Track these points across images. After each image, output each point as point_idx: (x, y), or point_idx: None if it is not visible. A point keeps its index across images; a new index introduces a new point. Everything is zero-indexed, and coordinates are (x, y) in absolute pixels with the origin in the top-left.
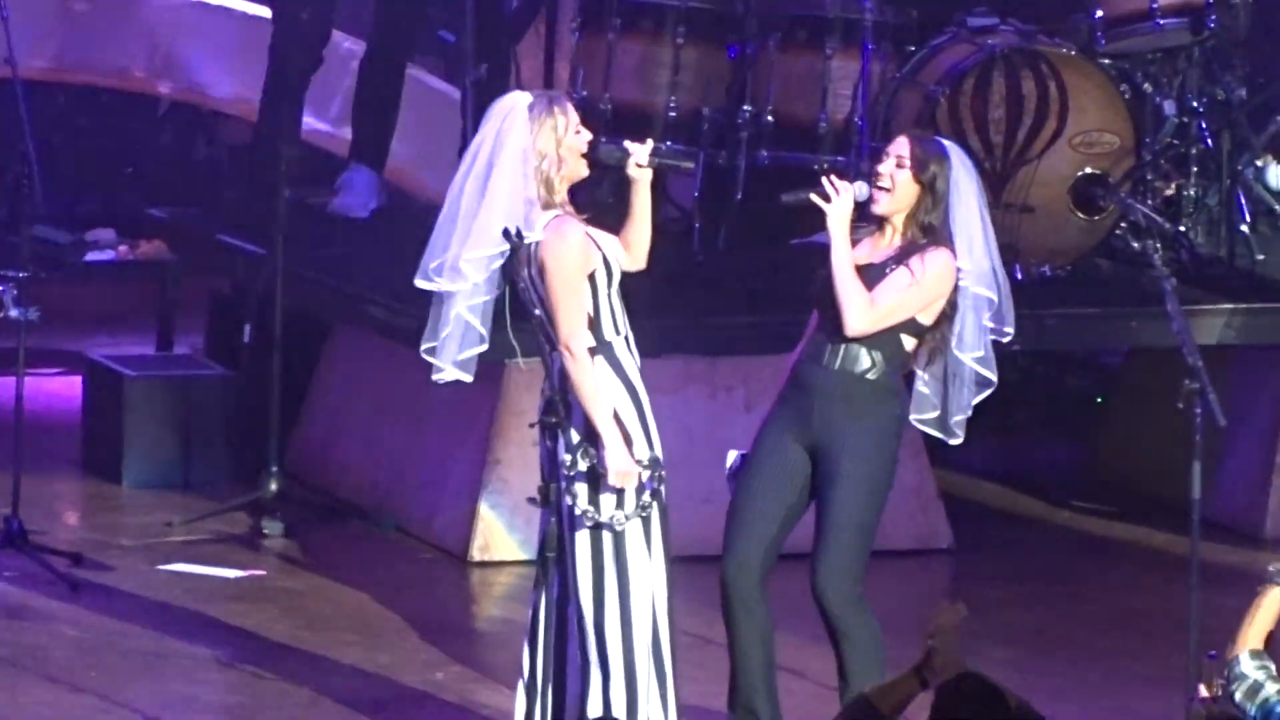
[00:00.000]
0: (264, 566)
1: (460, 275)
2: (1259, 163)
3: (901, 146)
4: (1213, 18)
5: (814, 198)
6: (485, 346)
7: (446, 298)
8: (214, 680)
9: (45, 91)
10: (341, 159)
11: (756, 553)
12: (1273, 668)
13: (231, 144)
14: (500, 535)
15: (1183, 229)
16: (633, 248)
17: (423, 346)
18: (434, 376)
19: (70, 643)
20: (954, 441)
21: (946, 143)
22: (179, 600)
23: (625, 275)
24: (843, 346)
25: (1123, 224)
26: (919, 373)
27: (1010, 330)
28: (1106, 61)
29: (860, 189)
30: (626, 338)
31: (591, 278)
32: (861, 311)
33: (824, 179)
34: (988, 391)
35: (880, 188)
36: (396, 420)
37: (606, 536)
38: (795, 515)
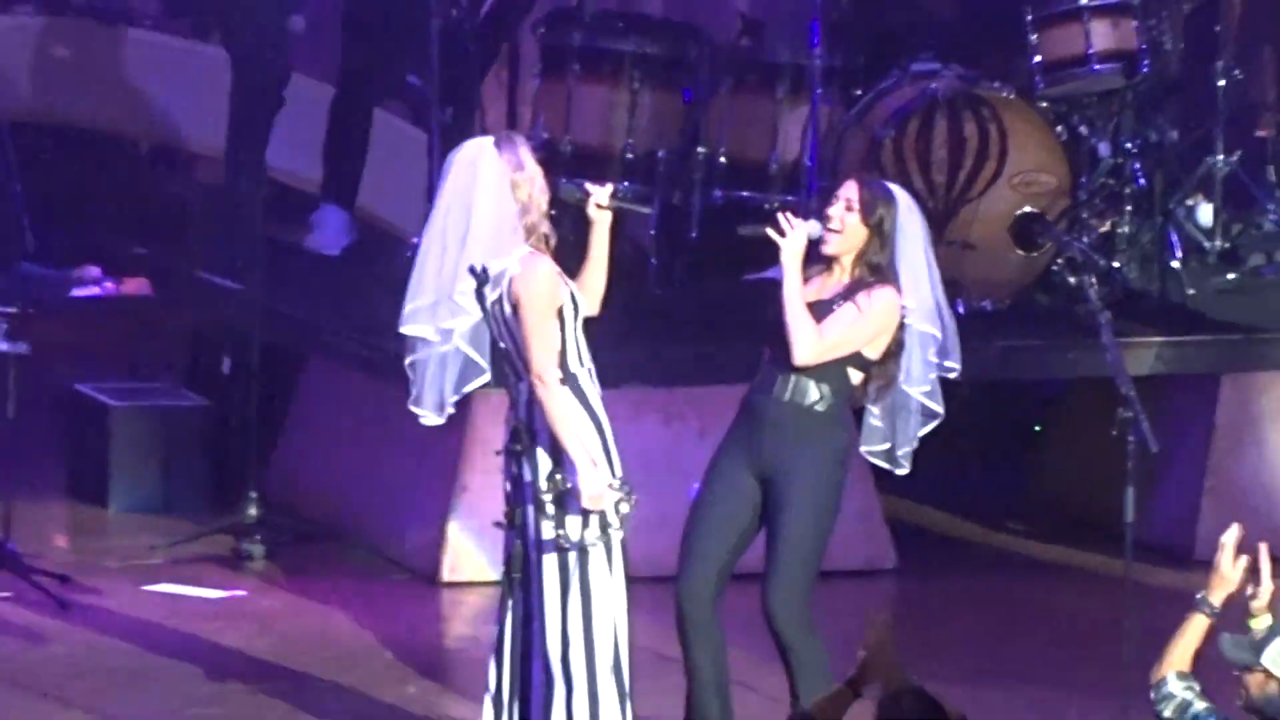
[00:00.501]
0: (243, 587)
1: (461, 311)
2: (1189, 202)
3: (850, 190)
4: (1146, 63)
5: (770, 232)
6: (488, 376)
7: (423, 344)
8: (196, 695)
9: (30, 133)
10: (313, 197)
11: (709, 576)
12: (1198, 686)
13: (207, 183)
14: (468, 557)
15: (1117, 265)
16: (589, 293)
17: (410, 400)
18: (424, 422)
19: (59, 659)
20: (901, 472)
21: (893, 187)
22: (163, 619)
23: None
24: (792, 379)
25: (1060, 260)
26: (869, 406)
27: (957, 366)
28: (1045, 105)
29: (813, 227)
30: (589, 369)
31: (560, 312)
32: (809, 342)
33: (780, 215)
34: (934, 423)
35: (830, 229)
36: (369, 448)
37: (572, 557)
38: (746, 540)
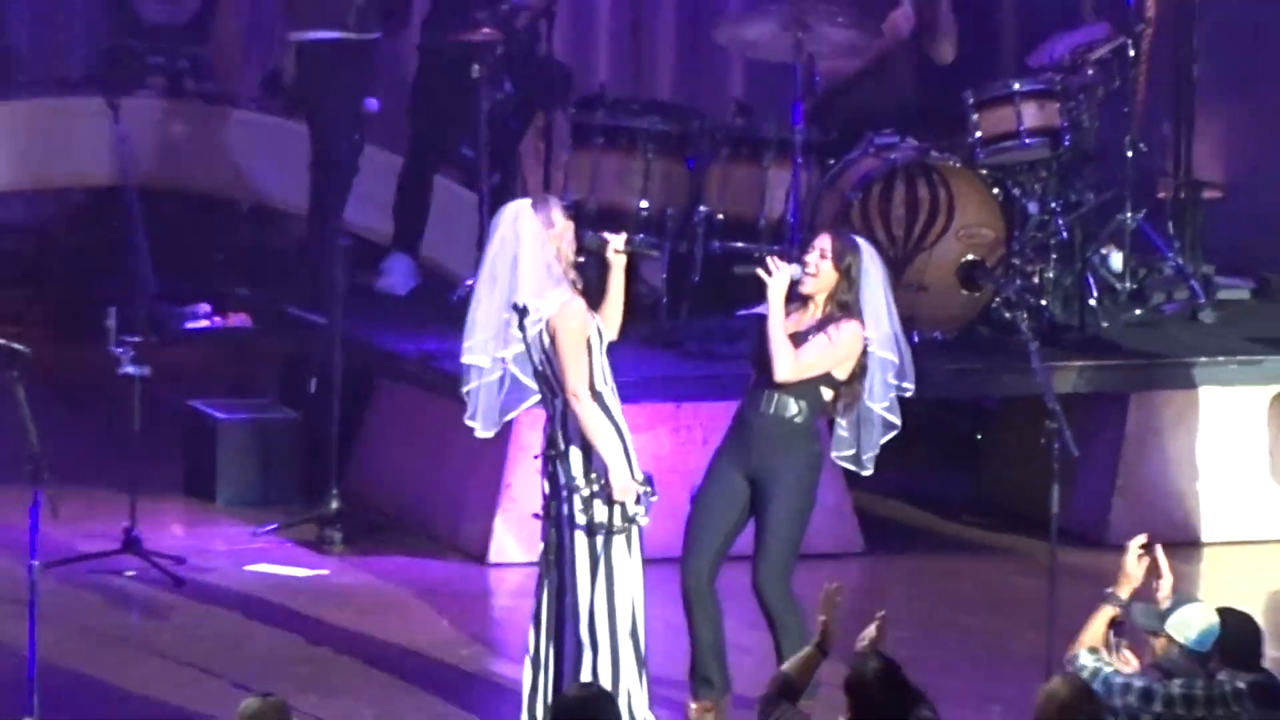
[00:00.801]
0: (326, 567)
1: (507, 342)
2: (1103, 251)
3: (824, 241)
4: (1067, 137)
5: (760, 272)
6: (537, 398)
7: (478, 371)
8: (288, 656)
9: (153, 196)
10: (384, 247)
11: (707, 559)
12: (1105, 656)
13: (296, 236)
14: (511, 542)
15: (1044, 303)
16: (609, 322)
17: (465, 416)
18: (477, 434)
19: (174, 627)
20: (865, 473)
21: (859, 239)
22: (260, 594)
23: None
24: (775, 396)
25: (998, 299)
26: (838, 419)
27: (911, 386)
28: (984, 171)
29: (794, 270)
30: (612, 387)
31: (588, 341)
32: (788, 362)
33: (768, 258)
34: (893, 433)
35: (807, 273)
36: (428, 453)
37: (599, 541)
38: (738, 529)
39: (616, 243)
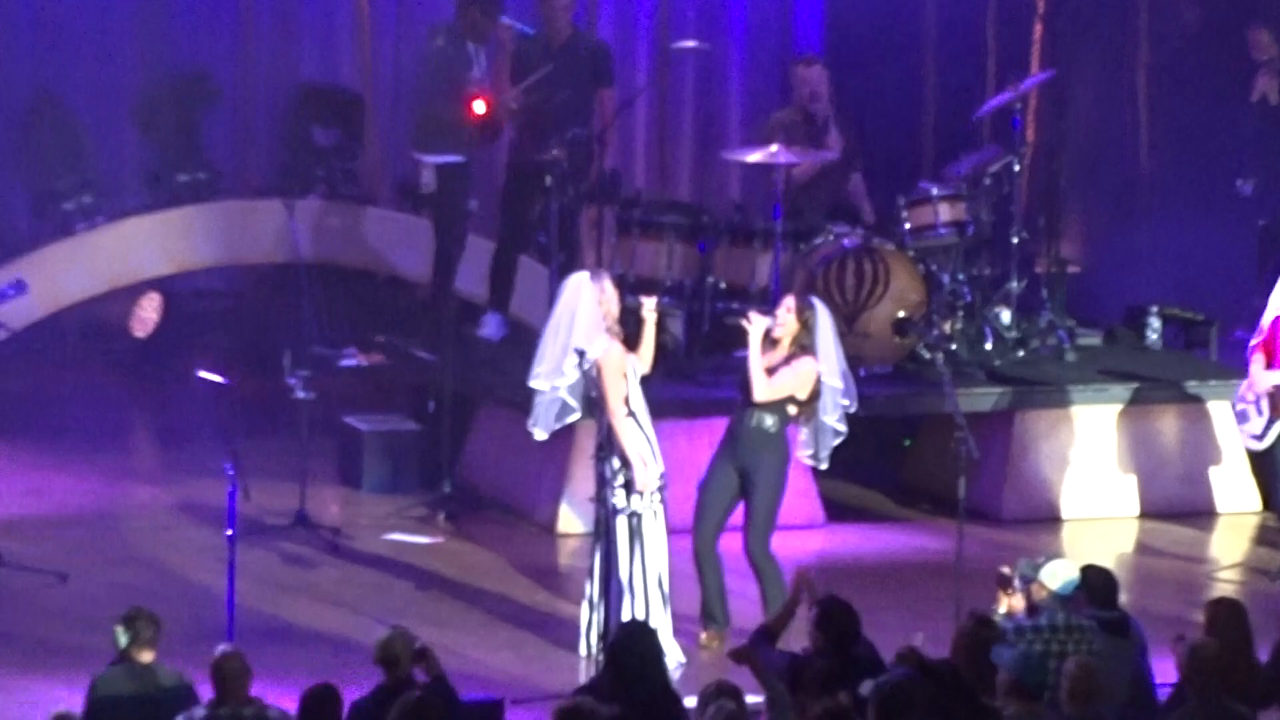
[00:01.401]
0: (441, 536)
1: (561, 374)
2: (996, 309)
3: (789, 301)
4: (971, 228)
5: (742, 322)
6: (579, 414)
7: (539, 394)
8: (415, 599)
9: (317, 269)
10: (483, 307)
11: (711, 528)
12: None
13: (420, 299)
14: (572, 518)
15: (954, 346)
16: (644, 360)
17: (529, 423)
18: (535, 437)
19: (332, 579)
20: (822, 467)
21: (815, 299)
22: (393, 555)
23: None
24: (755, 412)
25: (921, 344)
26: (802, 428)
27: (853, 404)
28: (912, 253)
29: (768, 321)
30: (644, 407)
31: (625, 375)
32: (763, 387)
33: (750, 313)
34: (841, 439)
35: (777, 324)
36: (514, 454)
37: (633, 520)
38: (733, 507)
39: (649, 305)
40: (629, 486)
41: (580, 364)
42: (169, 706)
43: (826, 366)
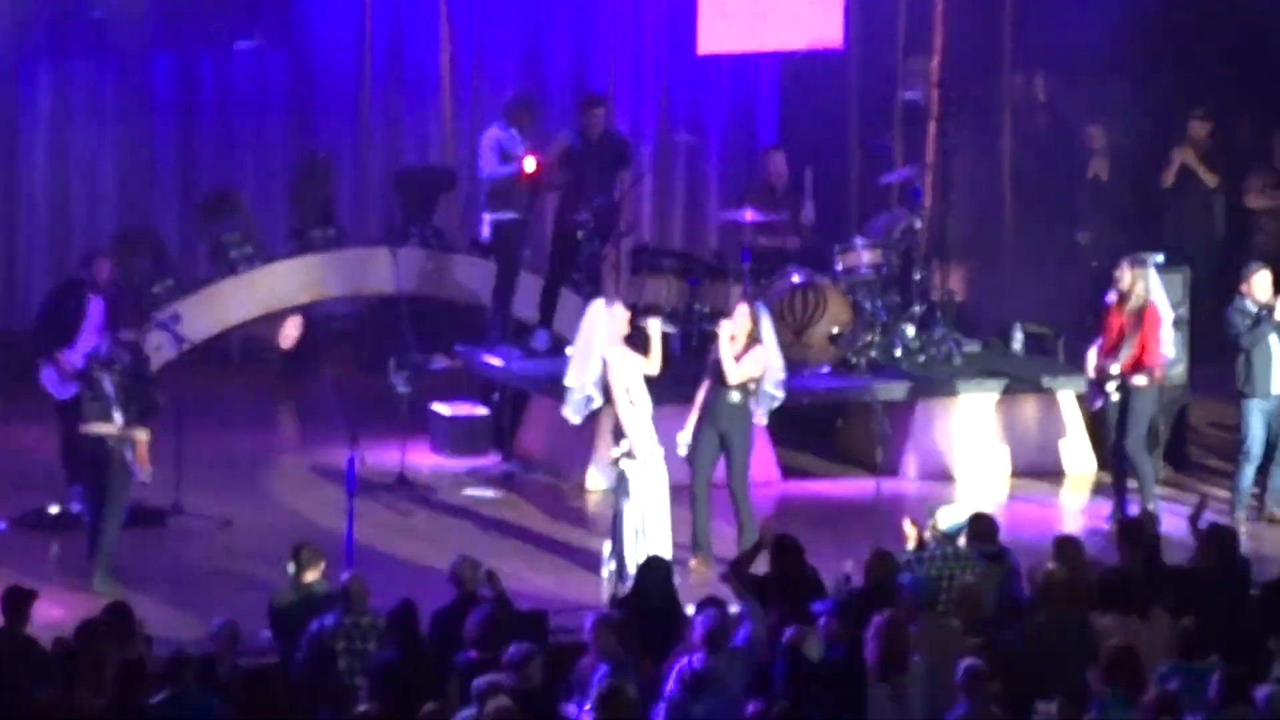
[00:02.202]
0: (503, 490)
1: (586, 373)
2: (904, 326)
3: (743, 307)
4: (885, 269)
5: (716, 329)
6: (600, 403)
7: (571, 388)
8: (484, 536)
9: (414, 300)
10: (533, 325)
11: (704, 481)
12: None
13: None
14: (598, 478)
15: (873, 354)
16: (652, 363)
17: (564, 411)
18: (571, 421)
19: (424, 522)
20: (762, 423)
21: (759, 303)
22: (467, 506)
23: (647, 375)
24: (728, 392)
25: (849, 352)
26: (752, 397)
27: (784, 377)
28: (844, 286)
29: (731, 325)
30: (646, 397)
31: (626, 374)
32: (734, 371)
33: (719, 321)
34: (778, 403)
35: (736, 323)
36: (556, 432)
37: (636, 480)
38: (715, 462)
39: (653, 323)
40: (628, 455)
41: (600, 366)
42: (323, 609)
43: (770, 352)
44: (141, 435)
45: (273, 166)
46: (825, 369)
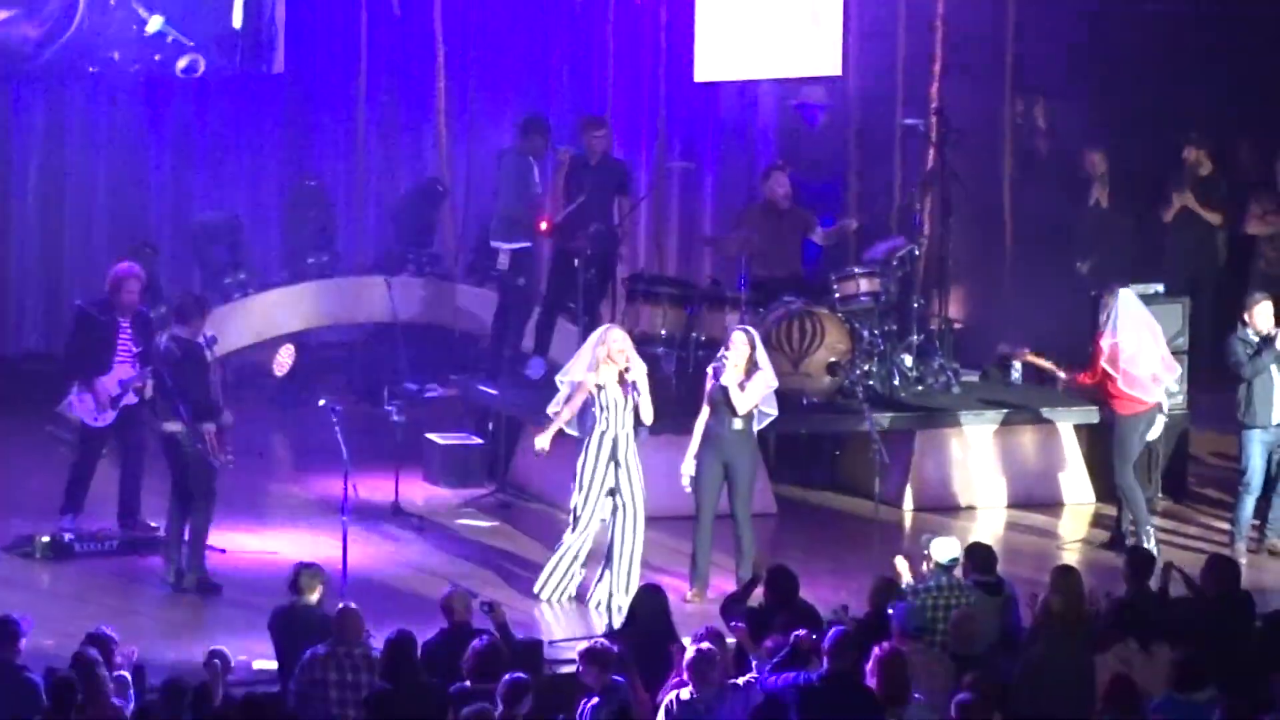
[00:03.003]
0: (497, 520)
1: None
2: (903, 356)
3: (740, 335)
4: (883, 297)
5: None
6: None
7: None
8: (478, 565)
9: (408, 328)
10: (528, 354)
11: (709, 513)
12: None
13: (483, 348)
14: None
15: (870, 382)
16: (645, 413)
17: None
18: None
19: (417, 551)
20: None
21: (750, 329)
22: (463, 534)
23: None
24: (731, 418)
25: (847, 380)
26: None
27: (774, 408)
28: (841, 314)
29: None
30: (625, 431)
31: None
32: (742, 401)
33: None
34: (770, 419)
35: (735, 350)
36: (552, 461)
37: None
38: (720, 493)
39: (636, 369)
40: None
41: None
42: (320, 634)
43: (766, 373)
44: (209, 426)
45: (267, 193)
46: (823, 399)
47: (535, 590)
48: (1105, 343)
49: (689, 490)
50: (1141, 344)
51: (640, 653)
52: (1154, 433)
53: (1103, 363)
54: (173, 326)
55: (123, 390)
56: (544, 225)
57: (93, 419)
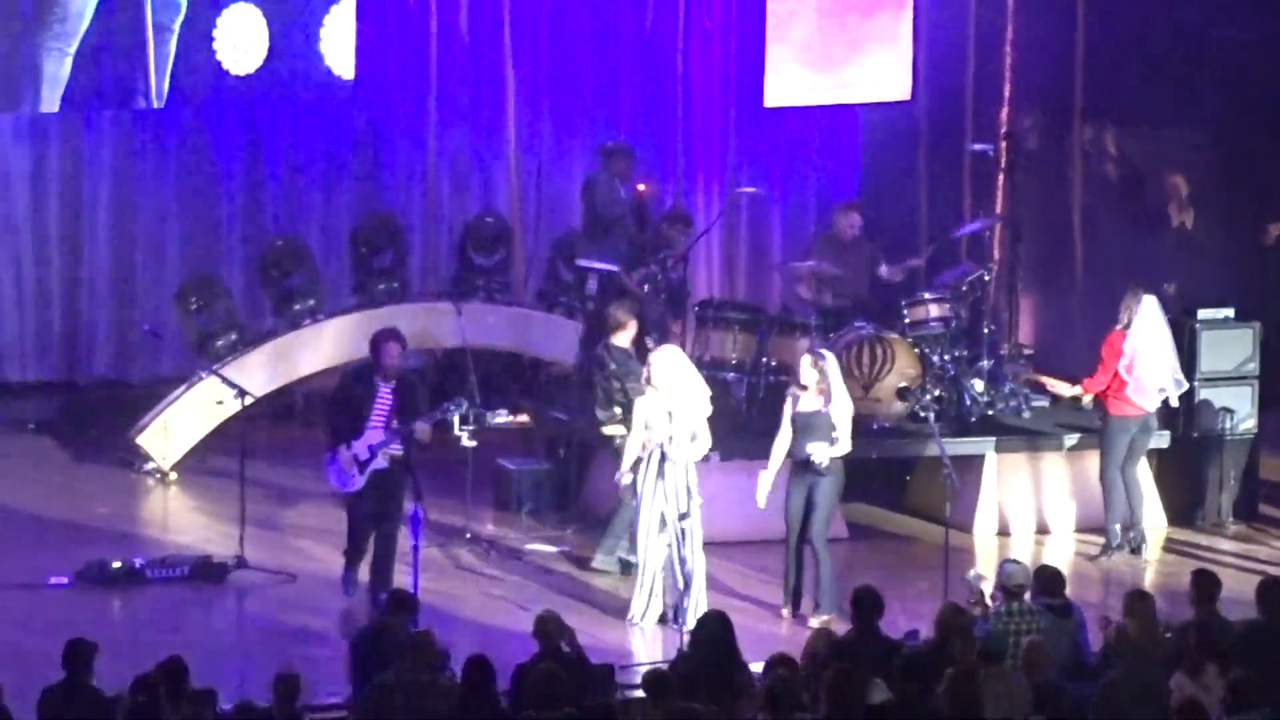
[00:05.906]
0: (567, 545)
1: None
2: (972, 380)
3: (807, 358)
4: (953, 323)
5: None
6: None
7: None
8: (549, 591)
9: (477, 353)
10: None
11: (796, 537)
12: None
13: (556, 375)
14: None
15: (941, 408)
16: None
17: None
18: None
19: (488, 576)
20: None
21: (824, 350)
22: (533, 559)
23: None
24: (812, 445)
25: (917, 405)
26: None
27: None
28: (910, 339)
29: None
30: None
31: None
32: (847, 441)
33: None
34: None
35: (802, 375)
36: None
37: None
38: (805, 517)
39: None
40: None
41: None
42: (396, 656)
43: (841, 399)
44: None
45: (340, 221)
46: (893, 423)
47: (629, 616)
48: (1127, 345)
49: (762, 508)
50: (1158, 353)
51: (705, 677)
52: (1156, 442)
53: (1119, 365)
54: (408, 421)
55: (371, 455)
56: (641, 185)
57: (340, 485)
